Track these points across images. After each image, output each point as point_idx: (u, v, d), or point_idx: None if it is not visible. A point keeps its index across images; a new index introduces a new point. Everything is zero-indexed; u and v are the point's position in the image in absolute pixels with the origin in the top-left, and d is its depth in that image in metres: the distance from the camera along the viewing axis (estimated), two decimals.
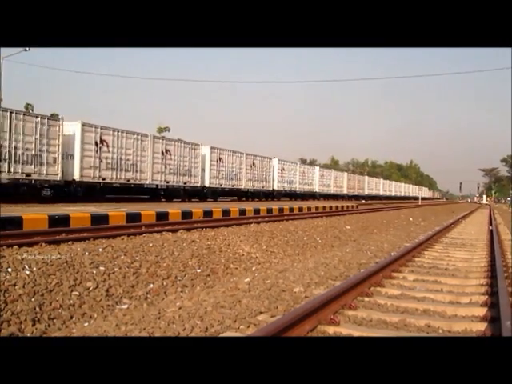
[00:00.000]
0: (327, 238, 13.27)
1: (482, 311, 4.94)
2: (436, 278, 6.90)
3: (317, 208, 24.53)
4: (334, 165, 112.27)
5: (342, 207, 28.32)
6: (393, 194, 76.23)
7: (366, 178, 66.98)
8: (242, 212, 17.23)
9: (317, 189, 45.76)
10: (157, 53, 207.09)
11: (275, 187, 37.51)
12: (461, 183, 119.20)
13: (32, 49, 29.84)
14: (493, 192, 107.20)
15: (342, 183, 53.12)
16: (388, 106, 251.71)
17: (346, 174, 57.74)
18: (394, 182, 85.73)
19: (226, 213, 16.36)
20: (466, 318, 4.82)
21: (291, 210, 21.48)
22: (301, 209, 22.55)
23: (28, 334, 4.76)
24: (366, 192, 61.96)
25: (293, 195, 40.57)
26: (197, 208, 15.92)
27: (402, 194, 79.98)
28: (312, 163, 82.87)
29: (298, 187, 41.32)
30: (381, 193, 69.67)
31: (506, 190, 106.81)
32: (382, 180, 75.27)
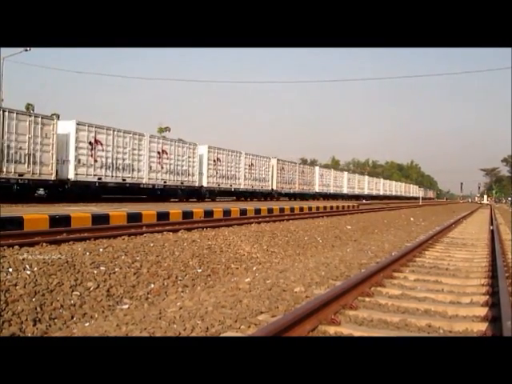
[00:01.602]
0: (328, 237, 13.26)
1: (482, 311, 4.94)
2: (437, 278, 6.90)
3: (317, 208, 24.51)
4: (334, 165, 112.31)
5: (343, 207, 28.30)
6: (393, 193, 76.09)
7: (367, 177, 66.81)
8: (243, 212, 17.23)
9: (316, 189, 45.61)
10: (157, 53, 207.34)
11: (274, 187, 37.37)
12: (462, 183, 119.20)
13: (32, 49, 29.88)
14: (493, 192, 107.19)
15: (341, 183, 52.94)
16: (389, 106, 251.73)
17: (346, 173, 57.57)
18: (394, 182, 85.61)
19: (227, 213, 16.37)
20: (466, 318, 4.81)
21: (292, 209, 21.48)
22: (302, 209, 22.53)
23: (29, 334, 4.76)
24: (366, 192, 61.81)
25: (292, 195, 40.39)
26: (196, 208, 15.93)
27: (397, 194, 79.51)
28: (313, 163, 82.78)
29: (297, 187, 41.22)
30: (381, 193, 69.51)
31: (506, 190, 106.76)
32: (382, 180, 74.95)
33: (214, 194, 29.82)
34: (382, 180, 75.14)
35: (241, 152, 32.77)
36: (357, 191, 57.64)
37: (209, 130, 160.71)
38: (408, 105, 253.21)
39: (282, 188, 38.50)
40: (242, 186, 32.51)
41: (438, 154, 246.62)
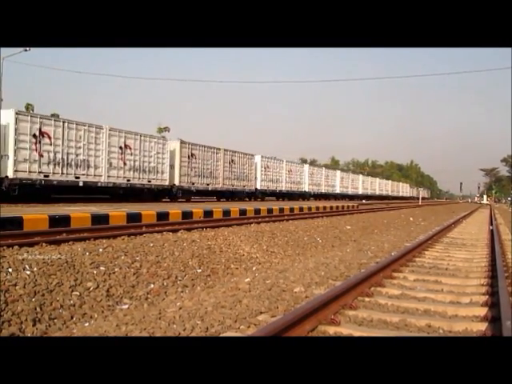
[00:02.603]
0: (328, 237, 13.26)
1: (482, 311, 4.94)
2: (436, 278, 6.90)
3: (317, 208, 24.53)
4: (334, 165, 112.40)
5: (343, 207, 28.34)
6: (389, 193, 74.11)
7: (361, 176, 64.72)
8: (243, 212, 17.25)
9: (306, 188, 43.26)
10: (157, 53, 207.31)
11: (258, 186, 34.77)
12: (461, 183, 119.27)
13: (32, 49, 29.85)
14: (493, 192, 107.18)
15: (334, 182, 50.67)
16: (388, 106, 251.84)
17: (338, 172, 55.12)
18: (390, 182, 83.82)
19: (227, 213, 16.38)
20: (466, 318, 4.81)
21: (292, 209, 21.47)
22: (301, 208, 22.54)
23: (29, 334, 4.76)
24: (361, 192, 59.65)
25: (279, 195, 38.08)
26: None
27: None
28: (312, 163, 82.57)
29: (284, 186, 38.85)
30: (377, 192, 67.59)
31: (506, 190, 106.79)
32: (378, 179, 73.11)
33: (188, 193, 27.24)
34: (377, 180, 72.71)
35: (219, 148, 30.19)
36: (350, 191, 55.34)
37: (209, 129, 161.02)
38: (408, 105, 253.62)
39: (266, 187, 35.98)
40: (220, 186, 29.96)
41: (437, 154, 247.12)
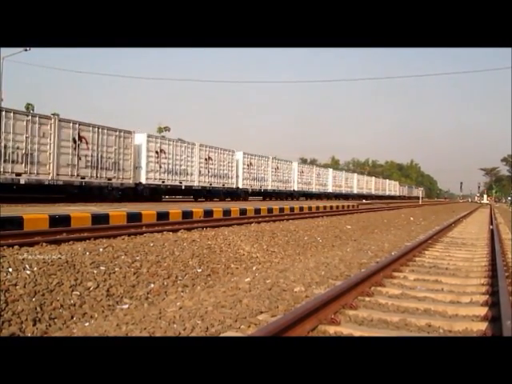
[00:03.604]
0: (328, 237, 13.26)
1: (482, 311, 4.94)
2: (437, 278, 6.90)
3: (317, 208, 24.60)
4: (334, 164, 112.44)
5: (343, 207, 28.39)
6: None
7: (355, 175, 62.50)
8: (243, 212, 17.26)
9: (295, 187, 41.06)
10: (157, 52, 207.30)
11: (240, 185, 32.42)
12: (461, 183, 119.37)
13: (32, 49, 29.84)
14: (493, 191, 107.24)
15: (326, 181, 48.37)
16: (388, 106, 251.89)
17: (330, 170, 52.88)
18: (387, 181, 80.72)
19: (227, 212, 16.40)
20: (466, 318, 4.82)
21: (292, 209, 21.48)
22: (301, 208, 22.56)
23: (29, 334, 4.76)
24: (356, 191, 57.52)
25: (264, 194, 36.02)
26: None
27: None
28: (312, 163, 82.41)
29: (270, 185, 36.49)
30: (373, 192, 65.34)
31: (506, 190, 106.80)
32: (374, 178, 71.17)
33: (158, 192, 25.33)
34: (373, 178, 69.95)
35: (194, 143, 28.12)
36: (344, 190, 53.26)
37: (209, 129, 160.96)
38: (408, 104, 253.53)
39: (249, 186, 33.42)
40: (196, 184, 27.62)
41: (437, 153, 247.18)
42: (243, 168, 32.95)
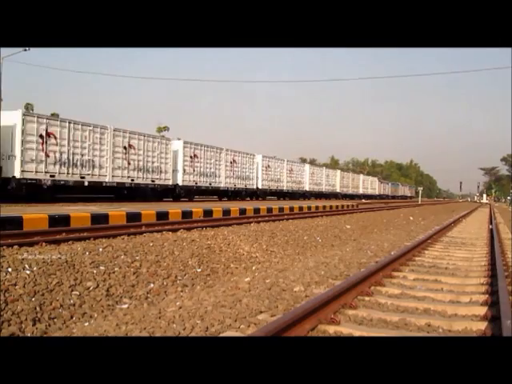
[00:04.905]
0: (327, 237, 13.26)
1: (482, 310, 4.94)
2: (436, 277, 6.90)
3: (317, 207, 24.66)
4: (334, 164, 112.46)
5: (342, 206, 28.44)
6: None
7: (350, 174, 61.85)
8: (243, 211, 17.28)
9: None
10: (157, 52, 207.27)
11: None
12: (461, 182, 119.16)
13: (32, 49, 29.81)
14: (493, 191, 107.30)
15: (320, 180, 47.74)
16: (388, 106, 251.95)
17: (324, 168, 52.30)
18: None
19: (227, 212, 16.41)
20: (466, 318, 4.82)
21: (291, 209, 21.48)
22: (301, 208, 22.56)
23: (28, 334, 4.76)
24: (351, 191, 57.18)
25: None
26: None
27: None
28: (312, 163, 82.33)
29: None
30: (369, 191, 64.80)
31: (506, 189, 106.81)
32: (370, 177, 70.67)
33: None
34: (370, 177, 68.85)
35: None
36: (339, 189, 52.65)
37: (208, 129, 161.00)
38: (407, 104, 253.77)
39: (234, 185, 31.72)
40: (171, 182, 25.90)
41: (437, 153, 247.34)
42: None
